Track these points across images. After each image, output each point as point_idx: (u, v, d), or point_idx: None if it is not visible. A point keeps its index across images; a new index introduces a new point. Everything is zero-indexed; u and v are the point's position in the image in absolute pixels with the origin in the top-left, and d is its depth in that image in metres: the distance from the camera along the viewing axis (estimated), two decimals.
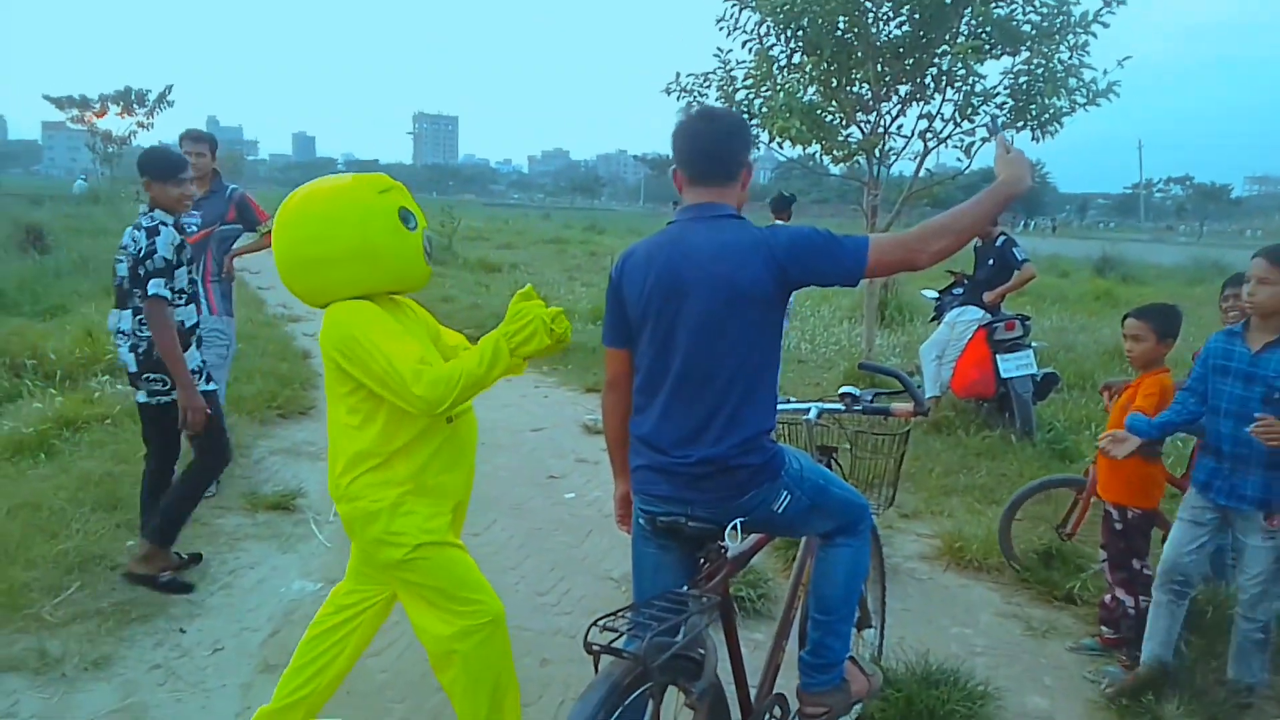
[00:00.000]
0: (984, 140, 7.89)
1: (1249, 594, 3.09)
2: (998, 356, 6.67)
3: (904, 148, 8.57)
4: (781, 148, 8.69)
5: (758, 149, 8.97)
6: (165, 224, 3.81)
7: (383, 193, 2.48)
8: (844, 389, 3.01)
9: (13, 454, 5.35)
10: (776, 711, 2.50)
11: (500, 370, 2.36)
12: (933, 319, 7.99)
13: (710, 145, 2.25)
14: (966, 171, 8.45)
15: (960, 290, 7.50)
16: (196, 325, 4.01)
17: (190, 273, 3.95)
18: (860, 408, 2.93)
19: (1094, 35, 7.38)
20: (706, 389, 2.18)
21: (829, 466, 2.89)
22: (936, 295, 7.95)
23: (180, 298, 3.88)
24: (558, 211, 58.78)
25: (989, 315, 6.92)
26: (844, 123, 8.46)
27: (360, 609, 2.70)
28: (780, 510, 2.26)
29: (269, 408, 6.78)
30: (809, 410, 2.98)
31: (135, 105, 43.03)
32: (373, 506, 2.47)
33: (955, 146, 8.11)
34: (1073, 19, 7.36)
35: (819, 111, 8.24)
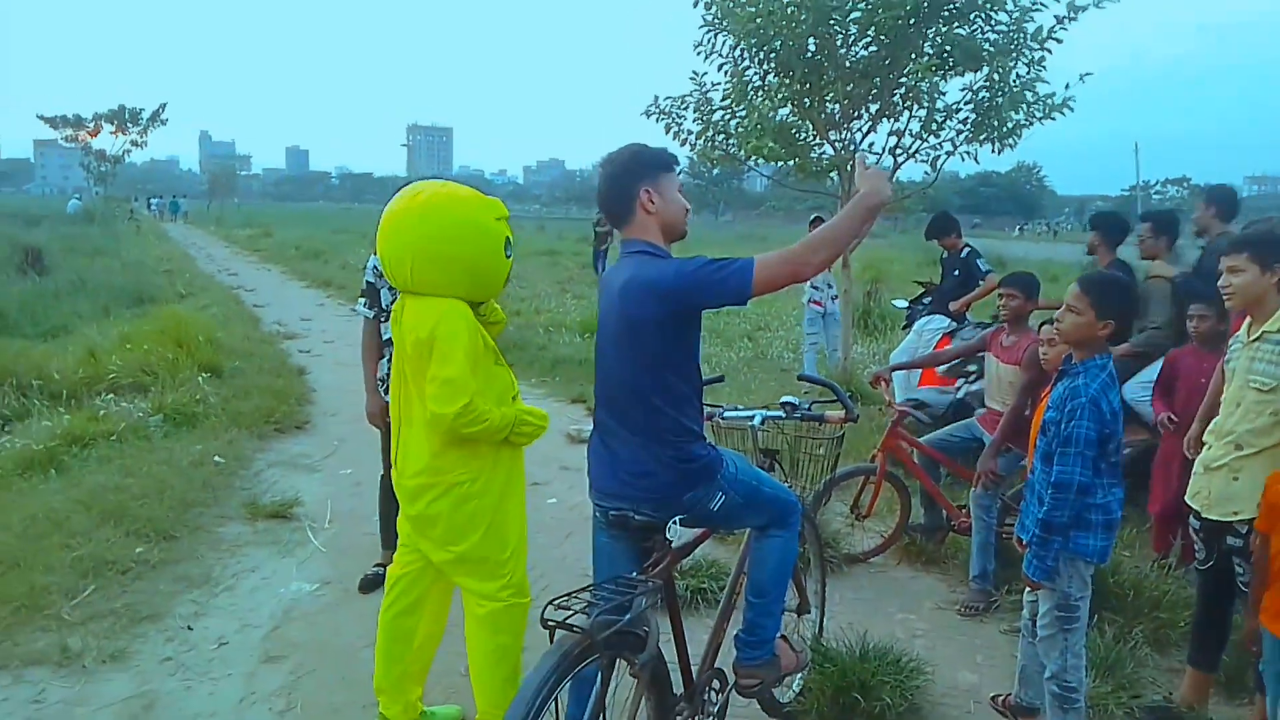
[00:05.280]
0: (948, 154, 8.28)
1: (1039, 635, 3.07)
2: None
3: (875, 163, 8.93)
4: (757, 165, 9.06)
5: (740, 166, 9.37)
6: None
7: (498, 220, 2.86)
8: (784, 398, 3.34)
9: (24, 470, 5.67)
10: (715, 684, 2.83)
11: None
12: (904, 327, 8.33)
13: (604, 191, 2.56)
14: (935, 184, 8.82)
15: (929, 300, 7.85)
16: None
17: None
18: (799, 415, 3.26)
19: (1049, 51, 7.74)
20: (632, 404, 2.48)
21: (770, 468, 3.21)
22: (906, 305, 8.29)
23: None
24: (553, 222, 59.04)
25: (954, 323, 7.25)
26: (817, 140, 8.82)
27: (413, 572, 3.06)
28: (716, 508, 2.57)
29: (266, 423, 7.10)
30: (754, 417, 3.30)
31: (129, 124, 43.34)
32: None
33: (922, 160, 8.48)
34: (1028, 37, 7.73)
35: (792, 130, 8.61)
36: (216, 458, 6.10)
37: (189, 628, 3.91)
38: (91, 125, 44.77)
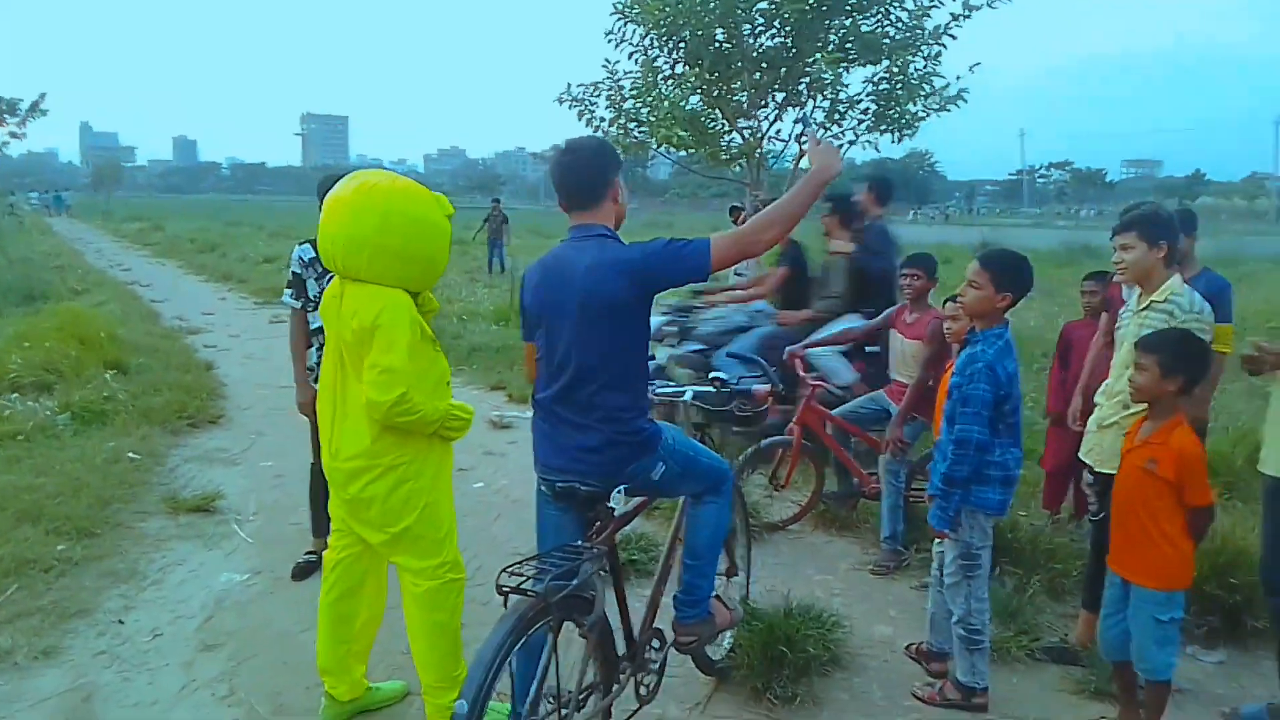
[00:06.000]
0: (850, 142, 8.64)
1: (946, 583, 3.35)
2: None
3: (782, 150, 9.24)
4: (669, 153, 9.26)
5: (648, 153, 9.55)
6: None
7: (447, 216, 3.02)
8: (714, 374, 3.52)
9: None
10: (655, 643, 3.00)
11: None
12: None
13: (573, 176, 2.64)
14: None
15: None
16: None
17: None
18: (728, 390, 3.44)
19: (944, 47, 8.15)
20: (588, 385, 2.60)
21: (701, 440, 3.38)
22: None
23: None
24: (457, 211, 58.09)
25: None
26: (726, 129, 9.07)
27: (351, 556, 3.13)
28: (657, 478, 2.72)
29: (179, 418, 6.96)
30: (685, 393, 3.46)
31: (7, 115, 40.93)
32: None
33: None
34: (925, 32, 8.12)
35: (702, 119, 8.83)
36: (131, 454, 5.97)
37: (120, 621, 3.88)
38: None
